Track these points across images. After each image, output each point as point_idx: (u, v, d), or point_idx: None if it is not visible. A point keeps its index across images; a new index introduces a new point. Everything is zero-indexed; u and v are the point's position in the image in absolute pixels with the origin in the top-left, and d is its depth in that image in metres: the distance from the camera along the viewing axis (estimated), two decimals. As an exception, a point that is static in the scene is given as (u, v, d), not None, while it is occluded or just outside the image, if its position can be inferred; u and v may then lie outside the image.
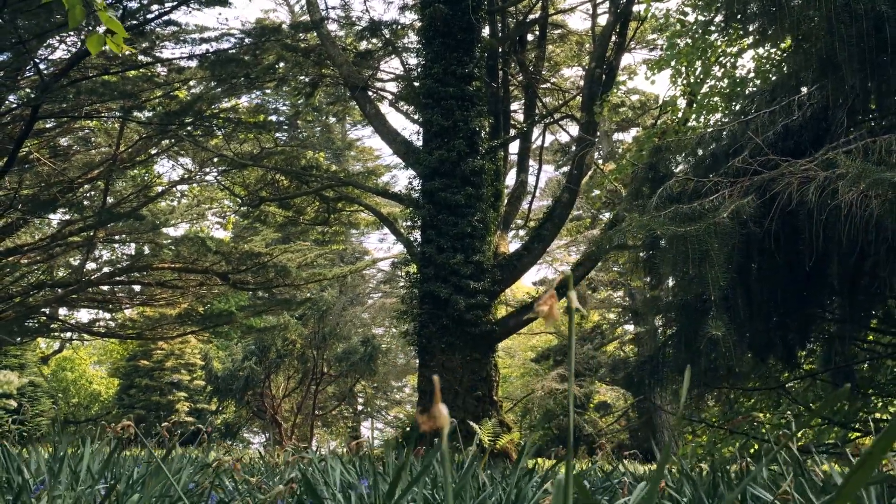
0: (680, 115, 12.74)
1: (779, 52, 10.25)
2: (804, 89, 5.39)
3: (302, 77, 21.50)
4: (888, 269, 4.06)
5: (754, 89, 9.80)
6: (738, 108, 6.31)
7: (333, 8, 27.74)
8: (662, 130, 13.27)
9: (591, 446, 35.25)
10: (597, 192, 25.58)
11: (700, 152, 5.17)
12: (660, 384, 4.50)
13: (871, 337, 5.79)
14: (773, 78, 7.33)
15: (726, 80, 10.44)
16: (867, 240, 3.94)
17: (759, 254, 4.54)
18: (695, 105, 11.50)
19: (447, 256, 16.66)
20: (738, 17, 4.86)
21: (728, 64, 12.12)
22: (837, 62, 4.41)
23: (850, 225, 3.92)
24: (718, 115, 11.80)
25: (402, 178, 43.54)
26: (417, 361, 18.13)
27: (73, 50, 18.00)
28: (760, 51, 11.28)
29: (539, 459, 21.90)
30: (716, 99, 11.46)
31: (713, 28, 9.63)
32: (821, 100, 4.94)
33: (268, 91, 26.86)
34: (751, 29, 5.68)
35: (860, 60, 4.50)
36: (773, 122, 5.24)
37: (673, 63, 12.09)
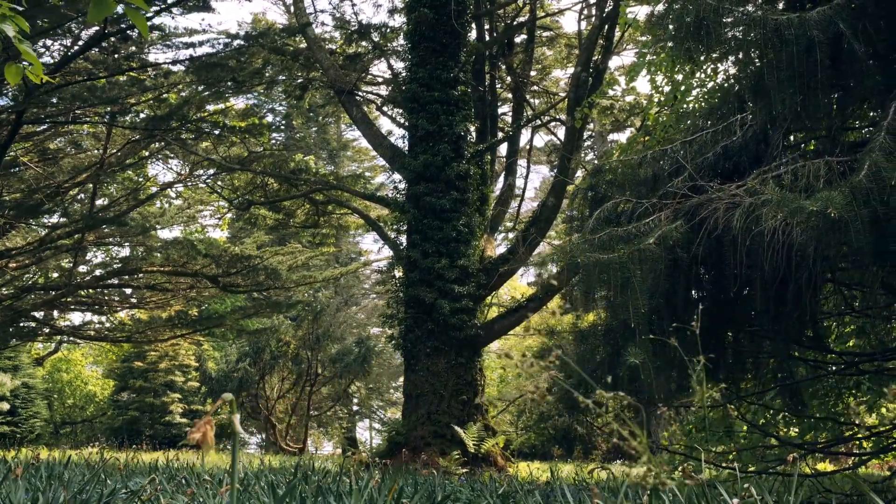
0: (662, 119, 12.70)
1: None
2: (751, 105, 5.39)
3: (291, 80, 21.51)
4: (809, 296, 4.07)
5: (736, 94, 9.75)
6: (689, 124, 6.32)
7: (322, 11, 27.67)
8: (647, 132, 13.24)
9: (587, 446, 35.28)
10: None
11: (641, 173, 5.19)
12: (589, 410, 4.50)
13: (810, 355, 5.80)
14: (710, 102, 7.34)
15: (698, 89, 10.41)
16: (789, 266, 3.95)
17: (686, 279, 4.55)
18: (671, 113, 11.47)
19: (432, 261, 16.68)
20: (673, 39, 4.86)
21: (709, 69, 12.08)
22: (766, 88, 4.42)
23: (772, 252, 3.93)
24: (708, 121, 11.75)
25: (397, 180, 43.41)
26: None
27: (60, 55, 18.04)
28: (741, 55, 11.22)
29: (525, 464, 21.74)
30: (693, 105, 11.41)
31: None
32: (760, 121, 4.95)
33: (260, 93, 26.88)
34: (674, 46, 5.68)
35: (791, 85, 4.50)
36: (715, 142, 5.25)
37: (651, 69, 12.06)
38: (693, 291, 4.78)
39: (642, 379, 4.07)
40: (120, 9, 16.60)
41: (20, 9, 3.71)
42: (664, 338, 4.22)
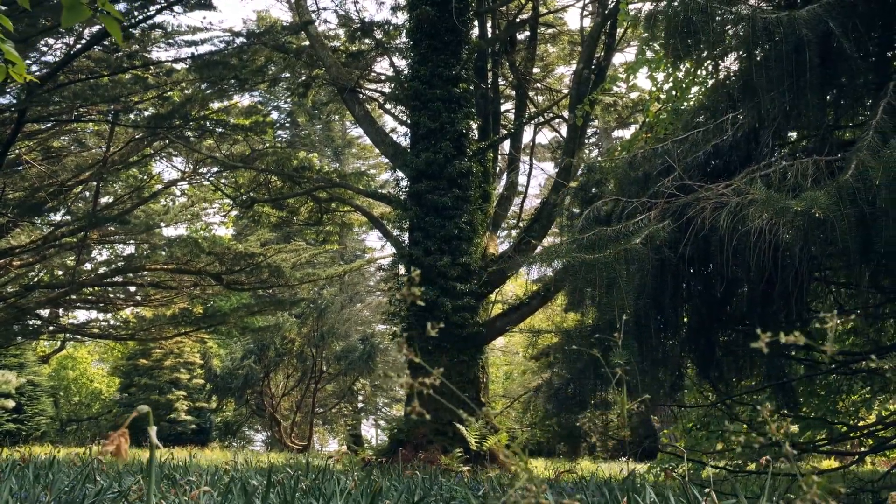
0: (663, 116, 12.67)
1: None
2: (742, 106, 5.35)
3: (294, 78, 21.51)
4: (795, 296, 4.05)
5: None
6: (684, 122, 6.30)
7: (325, 9, 27.66)
8: (649, 129, 13.20)
9: (592, 444, 35.25)
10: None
11: (633, 173, 5.17)
12: (577, 412, 4.52)
13: (803, 354, 5.77)
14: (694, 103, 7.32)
15: (697, 86, 10.37)
16: (776, 266, 3.93)
17: (673, 279, 4.53)
18: (670, 110, 11.43)
19: (434, 258, 16.65)
20: (660, 38, 4.85)
21: (710, 66, 12.04)
22: (755, 87, 4.39)
23: (758, 252, 3.91)
24: (700, 119, 11.71)
25: (400, 177, 43.27)
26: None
27: (63, 54, 18.10)
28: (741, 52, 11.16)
29: (530, 461, 21.93)
30: (692, 103, 11.36)
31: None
32: (750, 120, 4.92)
33: (263, 91, 26.89)
34: (660, 46, 5.65)
35: (780, 84, 4.47)
36: (706, 141, 5.22)
37: (651, 66, 12.02)
38: (681, 291, 4.76)
39: (628, 379, 4.06)
40: (123, 6, 16.62)
41: (3, 8, 3.71)
42: (651, 337, 4.20)
